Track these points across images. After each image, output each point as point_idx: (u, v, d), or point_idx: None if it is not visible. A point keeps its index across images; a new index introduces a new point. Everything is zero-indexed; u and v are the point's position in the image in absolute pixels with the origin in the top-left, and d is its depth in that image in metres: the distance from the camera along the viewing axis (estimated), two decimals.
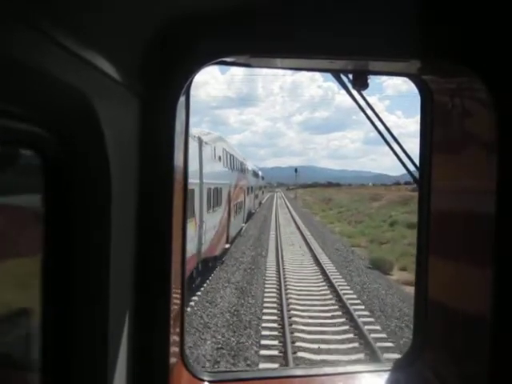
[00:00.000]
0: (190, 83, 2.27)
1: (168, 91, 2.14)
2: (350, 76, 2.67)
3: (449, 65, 2.38)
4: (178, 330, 2.46)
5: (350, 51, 2.28)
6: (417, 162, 2.91)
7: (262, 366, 11.22)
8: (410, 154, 2.91)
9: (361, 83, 2.66)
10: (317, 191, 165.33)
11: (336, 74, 2.68)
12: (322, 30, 2.20)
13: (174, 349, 2.37)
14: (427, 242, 2.84)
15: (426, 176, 2.84)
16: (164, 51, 2.07)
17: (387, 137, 2.92)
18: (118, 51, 1.72)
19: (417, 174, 2.96)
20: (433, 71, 2.69)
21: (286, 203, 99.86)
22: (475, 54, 2.20)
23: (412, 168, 2.97)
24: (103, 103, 1.59)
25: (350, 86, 2.70)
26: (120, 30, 1.69)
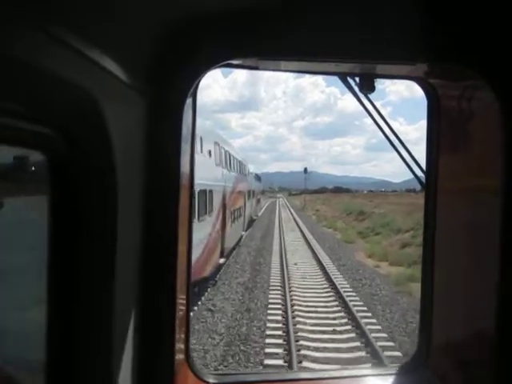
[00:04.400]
0: (197, 85, 2.28)
1: (175, 93, 2.14)
2: (357, 79, 2.67)
3: (455, 68, 2.38)
4: (183, 330, 2.46)
5: (357, 54, 2.28)
6: (423, 166, 2.90)
7: None
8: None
9: (368, 87, 2.65)
10: (328, 198, 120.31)
11: (343, 77, 2.68)
12: (329, 33, 2.20)
13: (180, 350, 2.37)
14: (433, 246, 2.82)
15: (432, 180, 2.82)
16: (171, 52, 2.08)
17: (394, 141, 2.91)
18: (126, 52, 1.73)
19: (423, 179, 2.94)
20: (440, 75, 2.68)
21: (292, 217, 67.21)
22: (482, 57, 2.20)
23: (419, 173, 2.95)
24: (110, 104, 1.60)
25: (356, 89, 2.69)
26: (127, 31, 1.70)
